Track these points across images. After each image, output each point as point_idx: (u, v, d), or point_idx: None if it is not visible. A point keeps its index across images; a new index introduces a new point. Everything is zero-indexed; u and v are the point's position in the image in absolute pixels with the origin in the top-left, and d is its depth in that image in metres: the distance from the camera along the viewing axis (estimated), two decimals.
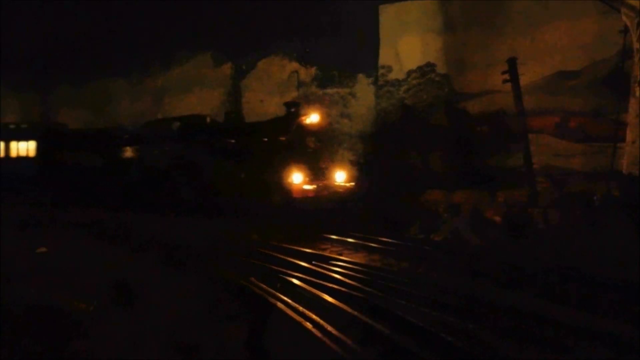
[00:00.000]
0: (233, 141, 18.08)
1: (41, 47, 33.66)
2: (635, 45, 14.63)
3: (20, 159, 25.89)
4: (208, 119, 21.40)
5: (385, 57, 26.49)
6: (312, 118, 16.42)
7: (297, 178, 15.38)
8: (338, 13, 26.69)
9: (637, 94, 14.74)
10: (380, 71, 26.45)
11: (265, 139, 17.17)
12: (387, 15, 26.48)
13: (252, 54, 31.26)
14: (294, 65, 29.82)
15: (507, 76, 16.17)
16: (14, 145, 26.17)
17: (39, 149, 25.48)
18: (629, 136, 15.04)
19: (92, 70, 34.40)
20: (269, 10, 27.70)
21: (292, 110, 16.98)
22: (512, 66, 16.23)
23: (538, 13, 21.14)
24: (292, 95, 28.40)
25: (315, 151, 16.54)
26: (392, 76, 25.95)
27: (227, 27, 29.50)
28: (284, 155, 16.02)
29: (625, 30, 15.17)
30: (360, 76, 26.98)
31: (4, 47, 31.19)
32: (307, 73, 29.36)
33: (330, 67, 28.49)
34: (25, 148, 25.92)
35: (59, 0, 31.78)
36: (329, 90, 27.56)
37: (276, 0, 27.26)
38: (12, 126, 27.12)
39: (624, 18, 14.95)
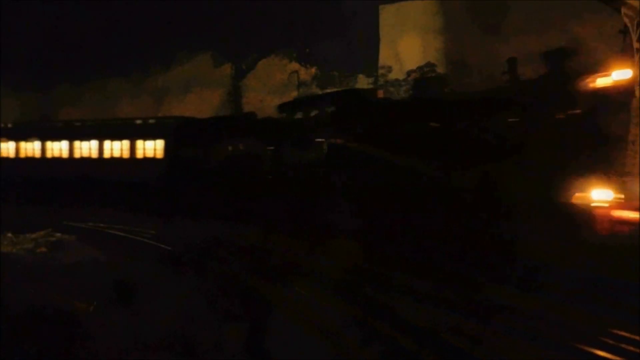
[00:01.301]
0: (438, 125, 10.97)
1: (41, 46, 33.66)
2: (636, 45, 14.63)
3: (145, 161, 21.66)
4: (381, 93, 16.50)
5: (385, 57, 26.50)
6: (619, 75, 8.63)
7: (601, 194, 8.03)
8: (338, 13, 26.72)
9: (637, 94, 14.74)
10: (380, 71, 26.47)
11: (512, 117, 9.88)
12: (387, 15, 26.48)
13: (252, 54, 31.27)
14: (294, 65, 29.83)
15: None
16: (140, 144, 21.99)
17: (171, 147, 20.92)
18: (630, 136, 15.05)
19: (92, 69, 34.40)
20: (269, 10, 27.71)
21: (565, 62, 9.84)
22: (512, 66, 16.22)
23: (538, 13, 21.14)
24: (292, 95, 28.39)
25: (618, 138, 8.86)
26: (392, 76, 25.97)
27: (227, 27, 29.51)
28: (565, 145, 8.67)
29: (625, 30, 15.18)
30: (360, 76, 26.99)
31: (3, 46, 31.18)
32: (307, 73, 29.36)
33: (330, 67, 28.51)
34: (152, 147, 21.69)
35: (59, 0, 31.79)
36: (329, 91, 27.59)
37: (276, 0, 27.27)
38: (138, 121, 23.50)
39: (624, 18, 14.95)
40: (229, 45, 31.05)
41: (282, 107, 17.89)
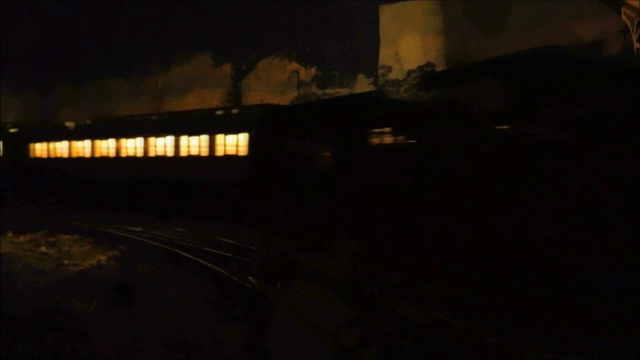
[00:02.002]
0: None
1: (41, 46, 33.65)
2: (636, 45, 14.63)
3: (225, 159, 18.69)
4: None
5: (385, 57, 26.49)
6: None
7: None
8: (338, 13, 26.70)
9: None
10: (380, 71, 26.47)
11: None
12: (387, 15, 26.48)
13: (252, 54, 31.27)
14: (294, 65, 29.82)
15: None
16: (220, 139, 19.07)
17: (257, 142, 17.34)
18: None
19: (92, 69, 34.41)
20: (269, 10, 27.70)
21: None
22: None
23: (538, 13, 21.14)
24: (292, 95, 28.42)
25: None
26: (392, 76, 25.97)
27: (227, 27, 29.51)
28: None
29: (625, 30, 15.18)
30: (361, 76, 27.00)
31: (3, 46, 31.18)
32: (307, 73, 29.35)
33: (330, 67, 28.50)
34: (233, 143, 18.59)
35: (59, 0, 31.77)
36: (329, 91, 27.59)
37: (276, 0, 27.27)
38: (218, 112, 21.09)
39: (624, 18, 14.95)
40: (229, 45, 31.06)
41: (432, 78, 11.96)
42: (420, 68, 24.85)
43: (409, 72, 25.18)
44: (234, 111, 20.79)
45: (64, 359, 5.38)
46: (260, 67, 31.28)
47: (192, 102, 32.11)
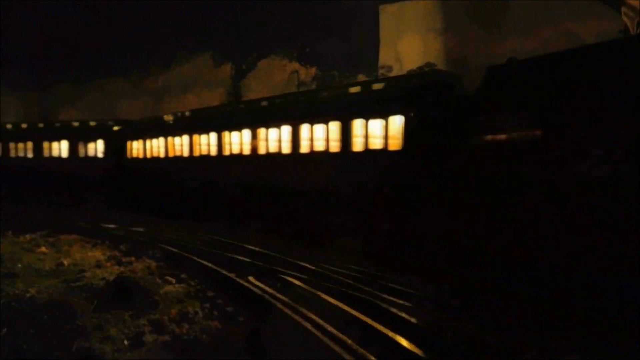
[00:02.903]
0: None
1: (41, 46, 33.67)
2: None
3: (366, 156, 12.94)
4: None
5: (385, 57, 26.52)
6: None
7: None
8: (338, 13, 26.72)
9: None
10: (380, 71, 26.48)
11: None
12: (387, 15, 26.51)
13: (252, 54, 31.30)
14: (294, 65, 29.84)
15: None
16: (358, 126, 13.49)
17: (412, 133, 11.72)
18: None
19: (92, 69, 34.44)
20: (269, 10, 27.72)
21: None
22: None
23: (538, 13, 21.15)
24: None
25: None
26: (392, 75, 26.02)
27: (227, 27, 29.53)
28: None
29: (625, 31, 15.17)
30: (361, 76, 27.02)
31: (3, 46, 31.19)
32: (307, 73, 29.36)
33: (330, 67, 28.53)
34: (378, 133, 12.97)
35: (59, 0, 31.79)
36: None
37: (276, 0, 27.29)
38: (353, 88, 14.60)
39: (624, 18, 14.95)
40: (229, 45, 31.08)
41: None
42: (420, 68, 24.87)
43: (409, 72, 25.20)
44: (378, 86, 14.14)
45: (64, 358, 5.39)
46: (260, 67, 31.31)
47: (192, 101, 32.13)
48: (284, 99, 17.67)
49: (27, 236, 13.76)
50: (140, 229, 15.70)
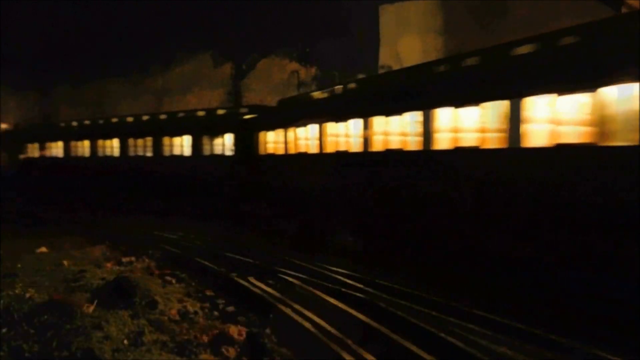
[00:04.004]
0: None
1: (41, 46, 33.68)
2: None
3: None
4: None
5: (385, 57, 26.52)
6: None
7: None
8: (338, 13, 26.72)
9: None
10: (380, 71, 26.49)
11: None
12: (387, 15, 26.51)
13: (252, 54, 31.31)
14: (294, 65, 29.85)
15: None
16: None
17: None
18: None
19: (92, 69, 34.45)
20: (269, 10, 27.72)
21: None
22: None
23: (538, 13, 21.16)
24: (292, 95, 28.46)
25: None
26: None
27: (227, 27, 29.53)
28: None
29: None
30: (361, 76, 27.03)
31: (4, 46, 31.21)
32: (307, 73, 29.36)
33: (330, 67, 28.53)
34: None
35: (60, 0, 31.81)
36: None
37: (276, 0, 27.29)
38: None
39: None
40: (229, 45, 31.08)
41: None
42: None
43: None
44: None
45: (64, 358, 5.39)
46: (260, 67, 31.32)
47: (192, 101, 32.13)
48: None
49: (27, 236, 13.76)
50: None
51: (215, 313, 7.30)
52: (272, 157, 16.73)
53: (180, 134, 20.94)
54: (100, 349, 5.69)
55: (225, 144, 19.28)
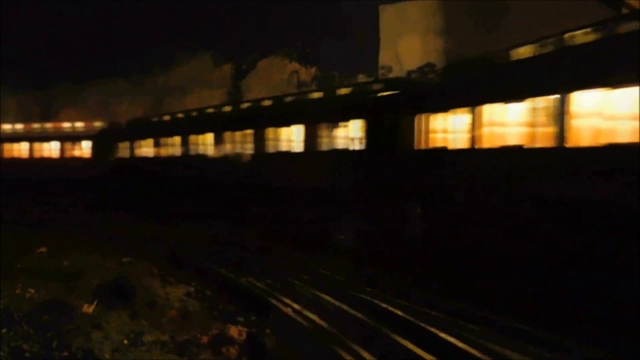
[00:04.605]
0: None
1: (42, 46, 33.68)
2: None
3: None
4: None
5: (385, 57, 26.52)
6: None
7: None
8: (338, 13, 26.72)
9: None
10: (380, 71, 26.49)
11: None
12: (387, 15, 26.51)
13: (252, 54, 31.30)
14: (294, 65, 29.85)
15: None
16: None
17: None
18: None
19: (93, 69, 34.44)
20: (269, 10, 27.72)
21: None
22: None
23: (538, 13, 21.15)
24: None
25: None
26: (392, 76, 26.01)
27: (227, 27, 29.52)
28: None
29: None
30: (361, 76, 27.02)
31: (4, 45, 31.21)
32: (307, 73, 29.36)
33: (330, 67, 28.53)
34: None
35: (60, 0, 31.81)
36: None
37: (276, 0, 27.29)
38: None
39: None
40: (229, 45, 31.08)
41: None
42: (420, 68, 24.87)
43: (409, 72, 25.21)
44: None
45: (64, 358, 5.39)
46: (260, 67, 31.31)
47: (192, 101, 32.10)
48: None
49: (28, 236, 13.75)
50: None
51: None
52: (453, 153, 10.74)
53: (287, 123, 16.14)
54: (100, 349, 5.69)
55: (350, 134, 13.87)
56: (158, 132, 23.61)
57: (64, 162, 31.18)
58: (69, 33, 32.66)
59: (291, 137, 16.01)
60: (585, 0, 19.50)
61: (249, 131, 17.86)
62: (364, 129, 13.44)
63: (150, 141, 24.06)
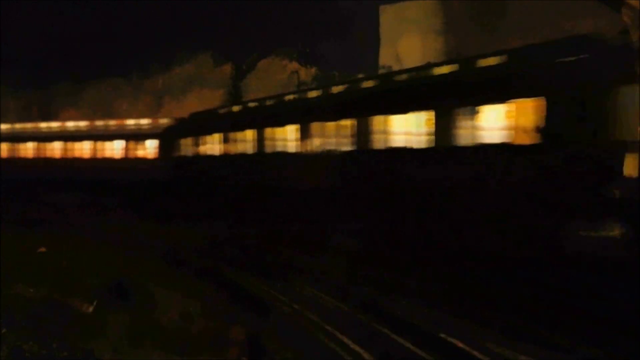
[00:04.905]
0: None
1: (42, 46, 33.70)
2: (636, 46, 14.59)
3: None
4: None
5: (385, 57, 26.51)
6: None
7: None
8: (338, 13, 26.73)
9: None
10: (380, 71, 26.49)
11: None
12: (387, 15, 26.51)
13: (252, 54, 31.32)
14: (294, 65, 29.85)
15: None
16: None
17: None
18: None
19: (93, 69, 34.47)
20: (269, 10, 27.73)
21: None
22: None
23: (538, 13, 21.15)
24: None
25: None
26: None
27: (227, 27, 29.53)
28: None
29: (625, 31, 15.15)
30: (361, 76, 27.05)
31: (4, 45, 31.22)
32: (307, 73, 29.36)
33: (330, 67, 28.54)
34: None
35: (60, 0, 31.82)
36: None
37: (276, 0, 27.30)
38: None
39: (624, 18, 14.92)
40: (229, 45, 31.10)
41: None
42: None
43: None
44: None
45: (64, 358, 5.39)
46: (260, 67, 31.32)
47: (192, 101, 32.10)
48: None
49: (28, 236, 13.75)
50: None
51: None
52: None
53: (405, 109, 11.55)
54: (100, 349, 5.69)
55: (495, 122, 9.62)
56: (225, 126, 19.18)
57: (129, 163, 27.86)
58: (69, 33, 32.69)
59: (408, 129, 11.34)
60: (585, 0, 19.49)
61: (349, 122, 13.05)
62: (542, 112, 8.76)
63: (216, 137, 19.70)
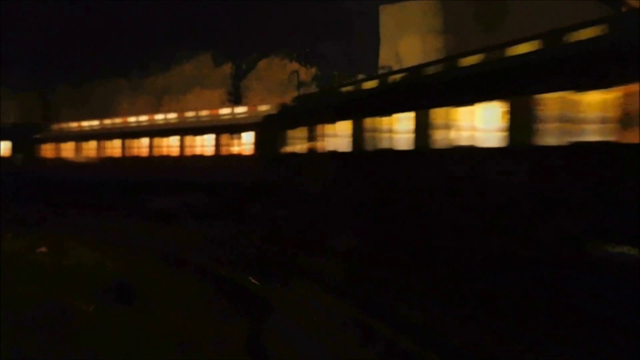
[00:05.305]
0: None
1: (41, 46, 33.67)
2: None
3: None
4: None
5: (385, 57, 26.50)
6: None
7: None
8: (338, 13, 26.73)
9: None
10: (380, 71, 26.48)
11: None
12: (387, 15, 26.49)
13: (252, 53, 31.31)
14: (294, 65, 29.83)
15: None
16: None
17: None
18: None
19: (92, 69, 34.45)
20: (269, 10, 27.72)
21: None
22: None
23: (538, 13, 21.15)
24: (293, 95, 28.45)
25: None
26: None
27: (227, 27, 29.52)
28: None
29: None
30: (361, 76, 27.02)
31: (4, 45, 31.20)
32: (307, 73, 29.36)
33: (330, 67, 28.52)
34: None
35: (60, 0, 31.81)
36: None
37: (276, 0, 27.30)
38: None
39: None
40: (229, 45, 31.08)
41: None
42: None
43: None
44: None
45: (64, 359, 5.39)
46: (260, 67, 31.31)
47: (192, 101, 32.11)
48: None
49: (28, 236, 13.75)
50: None
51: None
52: None
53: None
54: (101, 349, 5.69)
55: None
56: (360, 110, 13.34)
57: (223, 161, 22.45)
58: (69, 33, 32.66)
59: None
60: (585, 0, 19.49)
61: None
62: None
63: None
